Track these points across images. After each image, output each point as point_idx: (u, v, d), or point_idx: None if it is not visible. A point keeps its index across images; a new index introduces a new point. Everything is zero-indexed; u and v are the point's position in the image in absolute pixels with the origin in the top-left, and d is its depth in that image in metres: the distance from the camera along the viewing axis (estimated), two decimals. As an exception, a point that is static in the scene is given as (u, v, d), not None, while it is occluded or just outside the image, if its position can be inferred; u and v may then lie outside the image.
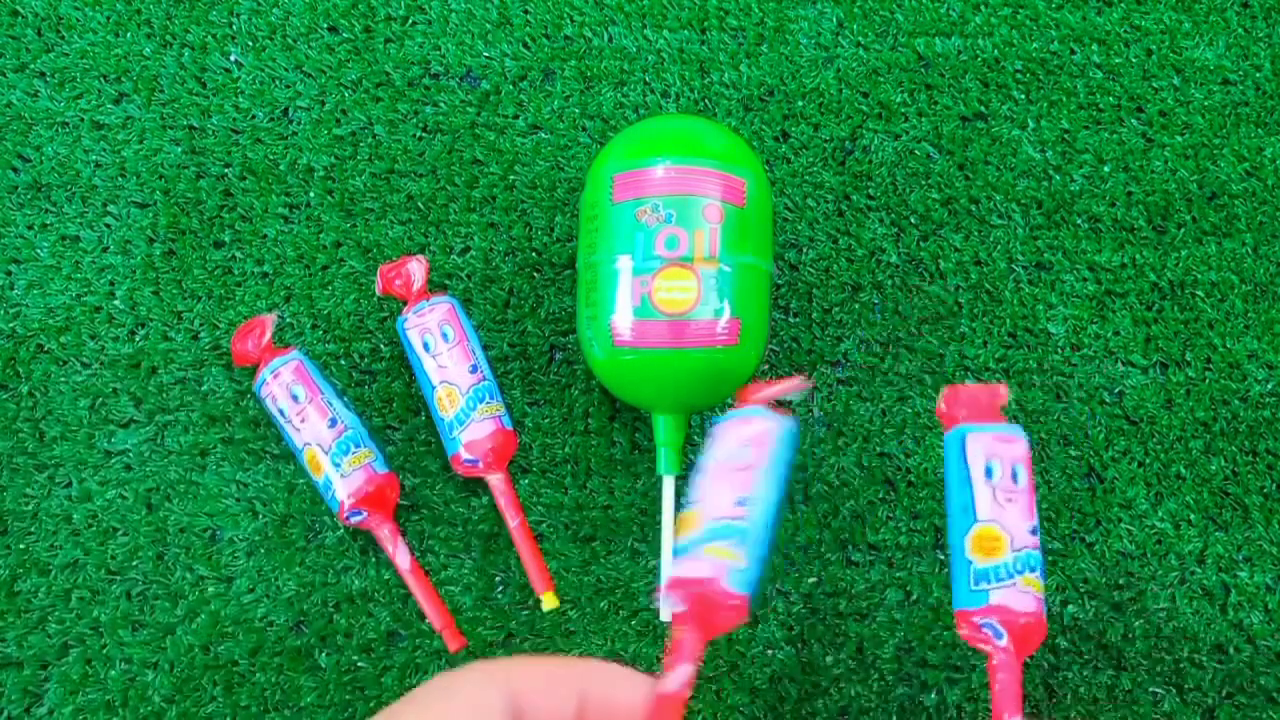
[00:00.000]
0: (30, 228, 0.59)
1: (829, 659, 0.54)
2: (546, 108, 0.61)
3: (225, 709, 0.52)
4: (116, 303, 0.58)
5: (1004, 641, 0.29)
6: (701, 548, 0.28)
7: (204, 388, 0.57)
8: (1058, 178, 0.61)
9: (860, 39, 0.63)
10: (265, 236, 0.59)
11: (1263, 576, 0.55)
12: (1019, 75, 0.63)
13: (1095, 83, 0.63)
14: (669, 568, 0.53)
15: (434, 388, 0.53)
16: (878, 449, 0.57)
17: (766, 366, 0.58)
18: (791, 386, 0.33)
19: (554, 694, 0.25)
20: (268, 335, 0.54)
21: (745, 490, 0.29)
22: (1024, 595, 0.30)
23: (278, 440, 0.56)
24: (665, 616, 0.53)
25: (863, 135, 0.62)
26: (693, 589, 0.28)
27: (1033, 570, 0.31)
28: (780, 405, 0.32)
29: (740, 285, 0.49)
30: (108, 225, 0.59)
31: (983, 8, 0.64)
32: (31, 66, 0.61)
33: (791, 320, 0.59)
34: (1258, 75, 0.63)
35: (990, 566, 0.30)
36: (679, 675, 0.26)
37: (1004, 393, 0.36)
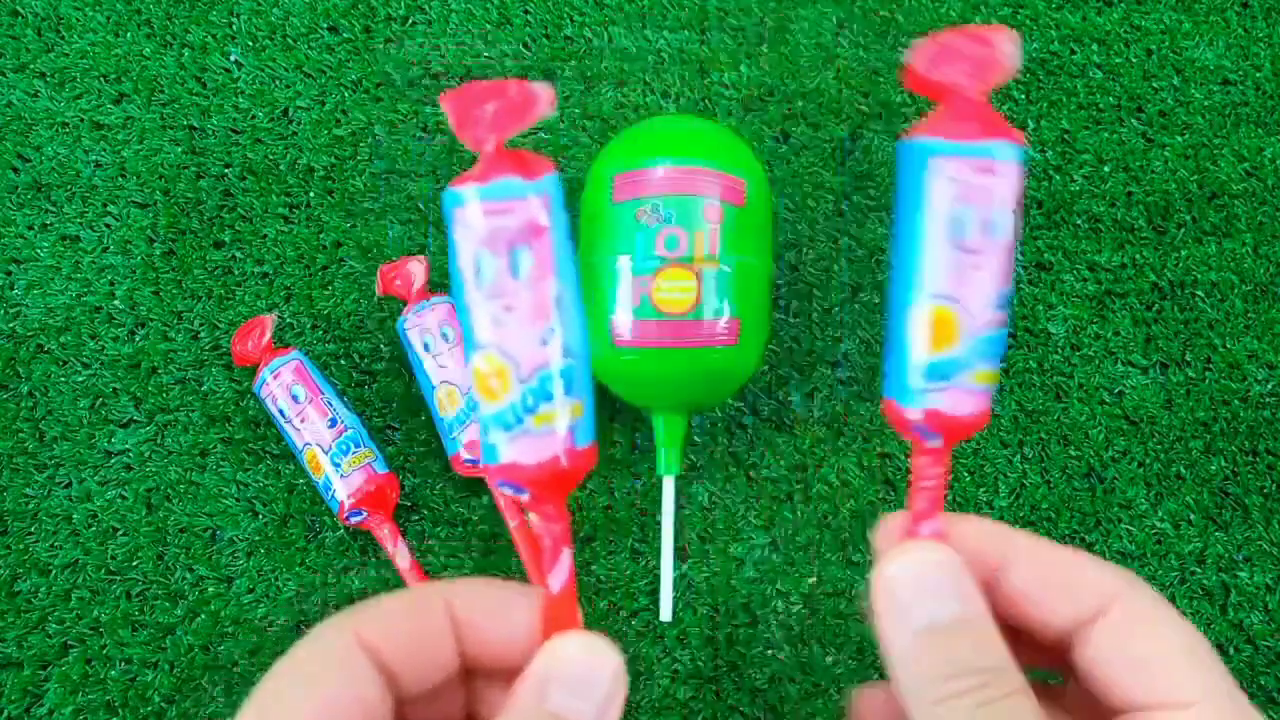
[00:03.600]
0: (30, 228, 0.59)
1: (829, 659, 0.54)
2: (546, 108, 0.61)
3: (225, 709, 0.52)
4: (116, 303, 0.58)
5: (937, 443, 0.24)
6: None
7: (204, 388, 0.57)
8: (1058, 178, 0.61)
9: (860, 39, 0.63)
10: (265, 236, 0.59)
11: (1263, 576, 0.55)
12: (1019, 75, 0.63)
13: (1095, 83, 0.63)
14: (667, 567, 0.53)
15: (434, 388, 0.53)
16: (878, 449, 0.57)
17: (766, 367, 0.58)
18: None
19: (422, 646, 0.23)
20: (268, 335, 0.54)
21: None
22: (970, 395, 0.23)
23: (278, 440, 0.56)
24: (665, 617, 0.53)
25: (863, 135, 0.62)
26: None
27: (989, 360, 0.23)
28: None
29: (740, 285, 0.49)
30: (108, 225, 0.59)
31: (983, 8, 0.64)
32: (31, 66, 0.61)
33: (791, 320, 0.59)
34: (1258, 75, 0.63)
35: (936, 361, 0.23)
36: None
37: (1007, 45, 0.24)
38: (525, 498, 0.24)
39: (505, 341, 0.22)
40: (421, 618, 0.23)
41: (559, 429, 0.22)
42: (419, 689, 0.23)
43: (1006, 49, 0.24)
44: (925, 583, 0.23)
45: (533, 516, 0.24)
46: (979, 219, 0.22)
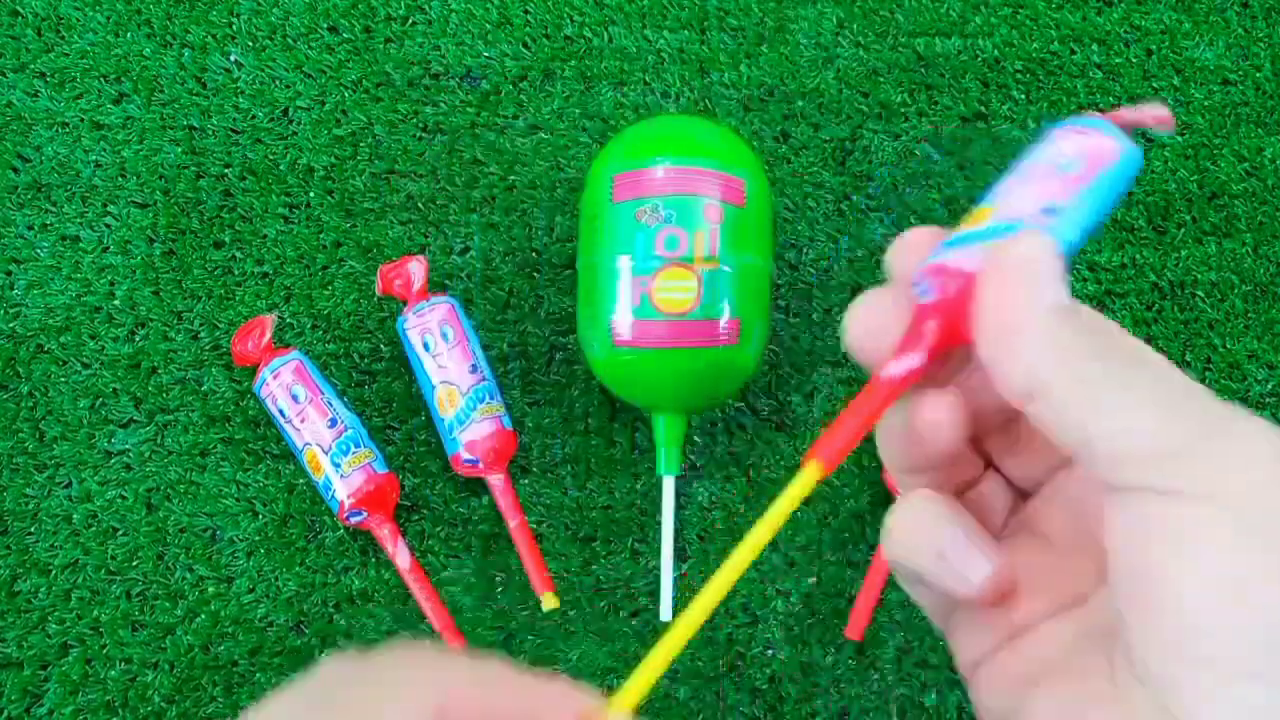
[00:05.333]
0: (30, 228, 0.59)
1: (829, 659, 0.54)
2: (546, 108, 0.61)
3: (225, 709, 0.52)
4: (116, 303, 0.58)
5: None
6: (981, 243, 0.23)
7: (204, 388, 0.57)
8: (1058, 178, 0.61)
9: (860, 39, 0.63)
10: (265, 236, 0.59)
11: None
12: (1019, 75, 0.63)
13: (1095, 83, 0.63)
14: (667, 567, 0.53)
15: (434, 388, 0.53)
16: (878, 449, 0.57)
17: (766, 366, 0.58)
18: (1154, 116, 0.25)
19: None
20: (268, 335, 0.54)
21: (1058, 199, 0.24)
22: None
23: (278, 440, 0.56)
24: (665, 616, 0.53)
25: (863, 135, 0.62)
26: (955, 280, 0.23)
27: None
28: (1131, 132, 0.25)
29: (740, 285, 0.49)
30: (108, 225, 0.59)
31: (983, 8, 0.64)
32: (31, 66, 0.61)
33: (791, 320, 0.59)
34: (1258, 75, 0.63)
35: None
36: (906, 361, 0.23)
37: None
38: (930, 296, 0.24)
39: (1015, 198, 0.24)
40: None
41: (991, 250, 0.23)
42: None
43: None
44: (1048, 264, 0.22)
45: None
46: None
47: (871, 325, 0.24)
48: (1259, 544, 0.18)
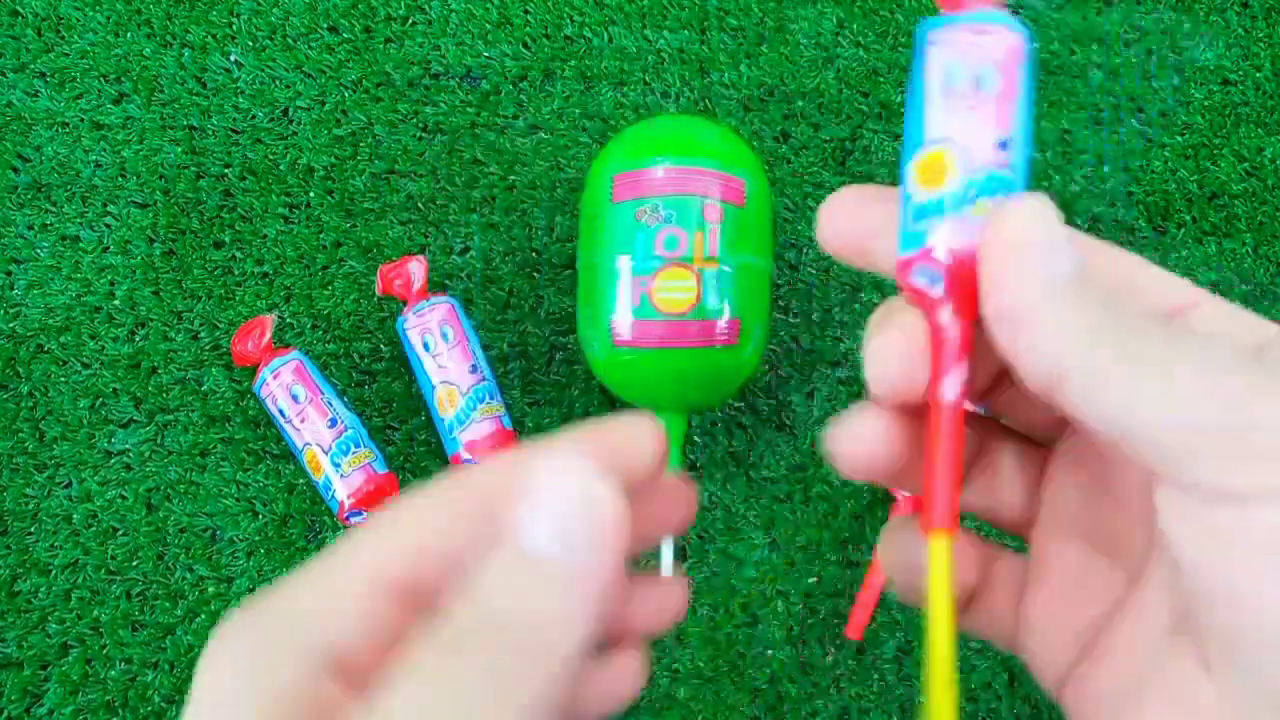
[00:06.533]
0: (30, 228, 0.59)
1: (829, 659, 0.54)
2: (546, 108, 0.61)
3: (225, 709, 0.52)
4: (116, 303, 0.58)
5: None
6: (966, 207, 0.21)
7: (204, 388, 0.57)
8: (1058, 178, 0.61)
9: (860, 39, 0.63)
10: (265, 236, 0.59)
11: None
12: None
13: (1095, 83, 0.63)
14: (667, 568, 0.53)
15: (434, 388, 0.53)
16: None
17: (766, 366, 0.58)
18: None
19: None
20: (268, 335, 0.54)
21: (1005, 128, 0.22)
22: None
23: (278, 440, 0.56)
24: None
25: (863, 135, 0.62)
26: (963, 259, 0.21)
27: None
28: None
29: (740, 285, 0.49)
30: (108, 225, 0.59)
31: (983, 8, 0.64)
32: (31, 66, 0.61)
33: (791, 320, 0.59)
34: (1258, 75, 0.63)
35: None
36: (956, 378, 0.21)
37: None
38: (939, 289, 0.22)
39: (960, 135, 0.22)
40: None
41: (986, 223, 0.22)
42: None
43: None
44: (1050, 234, 0.20)
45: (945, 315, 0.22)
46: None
47: (897, 351, 0.22)
48: None
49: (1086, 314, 0.18)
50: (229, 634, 0.18)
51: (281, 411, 0.53)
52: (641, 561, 0.55)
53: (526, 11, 0.63)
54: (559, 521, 0.17)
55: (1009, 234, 0.20)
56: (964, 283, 0.21)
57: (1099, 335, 0.18)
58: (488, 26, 0.63)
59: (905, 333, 0.22)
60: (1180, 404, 0.17)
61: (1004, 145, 0.22)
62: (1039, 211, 0.20)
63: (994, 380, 0.24)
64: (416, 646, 0.17)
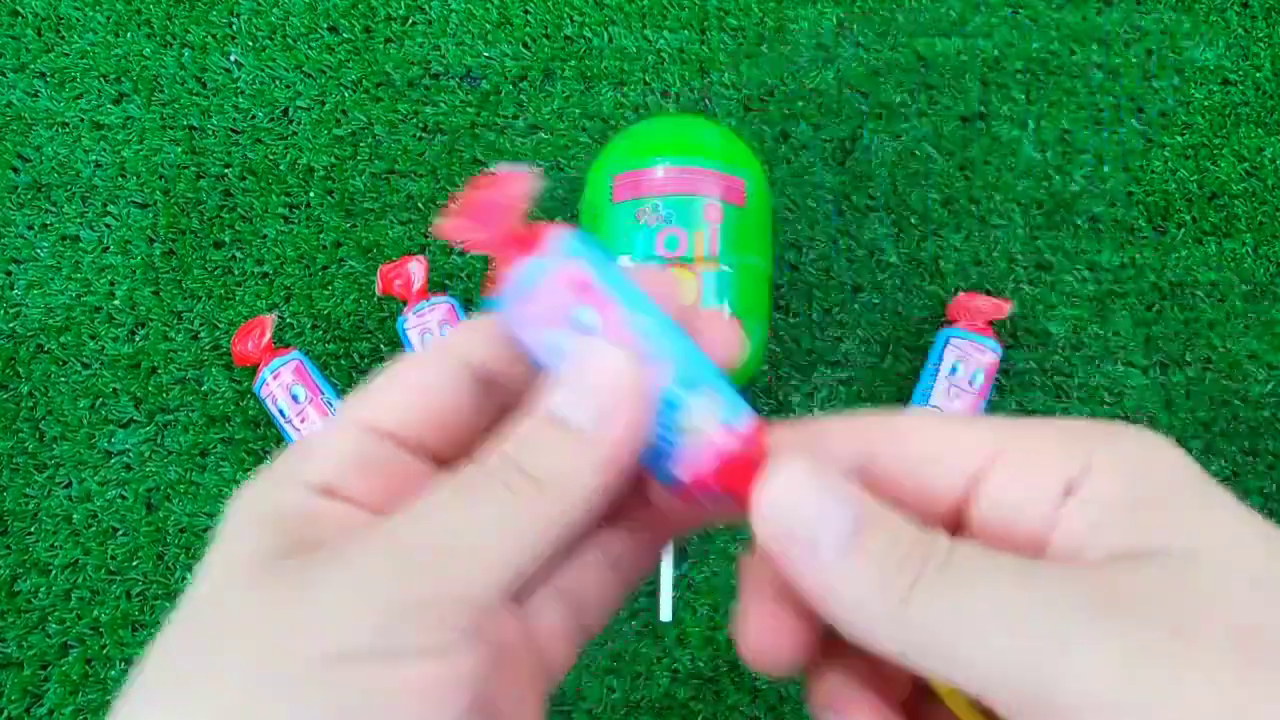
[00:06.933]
0: (30, 228, 0.59)
1: (829, 659, 0.54)
2: (546, 108, 0.61)
3: (225, 709, 0.52)
4: (116, 303, 0.58)
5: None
6: (680, 435, 0.21)
7: (204, 388, 0.57)
8: (1058, 178, 0.61)
9: (860, 39, 0.63)
10: (265, 236, 0.59)
11: (1263, 576, 0.55)
12: (1019, 75, 0.63)
13: (1095, 83, 0.63)
14: (667, 568, 0.53)
15: (434, 388, 0.53)
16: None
17: (766, 366, 0.58)
18: (511, 180, 0.21)
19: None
20: (268, 335, 0.54)
21: (628, 341, 0.21)
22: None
23: (278, 440, 0.56)
24: (665, 616, 0.53)
25: (863, 135, 0.62)
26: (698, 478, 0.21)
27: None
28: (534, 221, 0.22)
29: (740, 285, 0.49)
30: (108, 225, 0.59)
31: (983, 8, 0.64)
32: (31, 66, 0.61)
33: (791, 320, 0.59)
34: (1258, 75, 0.63)
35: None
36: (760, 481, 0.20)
37: (1005, 309, 0.42)
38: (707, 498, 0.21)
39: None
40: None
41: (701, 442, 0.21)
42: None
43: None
44: (809, 504, 0.18)
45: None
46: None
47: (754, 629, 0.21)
48: None
49: (870, 576, 0.18)
50: (247, 483, 0.21)
51: (281, 411, 0.53)
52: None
53: (526, 11, 0.63)
54: (586, 393, 0.19)
55: (770, 521, 0.19)
56: (710, 487, 0.21)
57: (892, 598, 0.17)
58: (488, 26, 0.63)
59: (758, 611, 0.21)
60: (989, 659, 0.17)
61: (649, 359, 0.21)
62: (789, 483, 0.19)
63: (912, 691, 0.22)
64: (438, 480, 0.19)
